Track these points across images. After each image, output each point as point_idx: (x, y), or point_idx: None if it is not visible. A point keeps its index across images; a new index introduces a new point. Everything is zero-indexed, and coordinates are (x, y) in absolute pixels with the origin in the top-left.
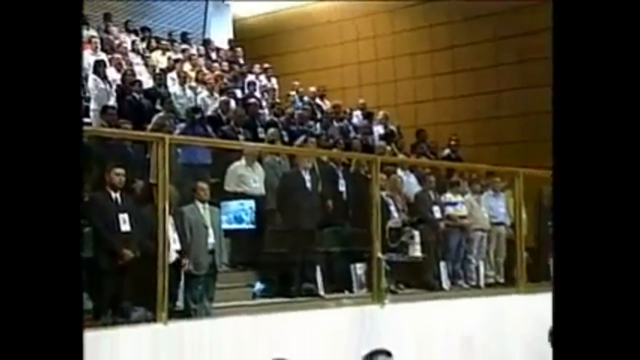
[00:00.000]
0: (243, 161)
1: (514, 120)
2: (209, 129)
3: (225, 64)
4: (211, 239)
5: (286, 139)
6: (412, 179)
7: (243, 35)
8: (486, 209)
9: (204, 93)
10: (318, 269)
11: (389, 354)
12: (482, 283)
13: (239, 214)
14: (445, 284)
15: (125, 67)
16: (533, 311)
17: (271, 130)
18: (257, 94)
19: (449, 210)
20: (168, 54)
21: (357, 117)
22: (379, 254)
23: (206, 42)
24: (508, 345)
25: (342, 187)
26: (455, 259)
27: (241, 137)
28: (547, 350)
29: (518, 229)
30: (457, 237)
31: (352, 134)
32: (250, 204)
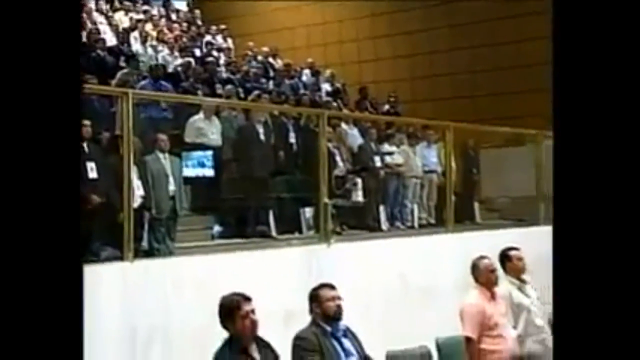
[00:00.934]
0: (202, 115)
1: (446, 79)
2: (170, 85)
3: (184, 24)
4: (172, 186)
5: (241, 94)
6: (356, 131)
7: None
8: (420, 159)
9: (164, 52)
10: (271, 212)
11: (333, 287)
12: (416, 224)
13: (201, 160)
14: (384, 225)
15: (90, 26)
16: (460, 248)
17: (228, 86)
18: (215, 53)
19: (388, 159)
20: (130, 14)
21: (306, 75)
22: (326, 199)
23: (166, 4)
24: (438, 278)
25: (292, 139)
26: (393, 203)
27: (200, 92)
28: (470, 281)
29: (448, 176)
30: (394, 183)
31: (302, 91)
32: (208, 154)
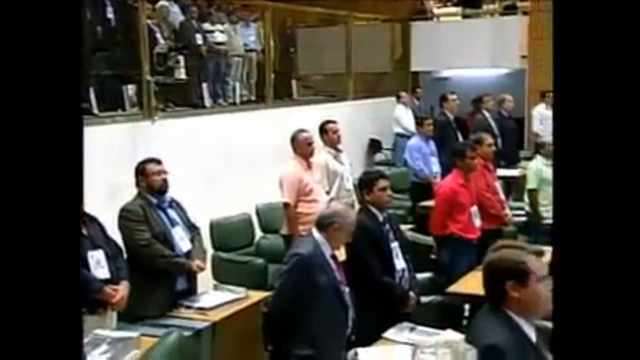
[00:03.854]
0: None
1: None
2: None
3: None
4: None
5: None
6: (176, 8)
7: None
8: (241, 37)
9: None
10: (91, 90)
11: (159, 161)
12: (237, 100)
13: None
14: (207, 102)
15: None
16: (278, 121)
17: None
18: None
19: (209, 38)
20: None
21: None
22: (148, 77)
23: None
24: (260, 151)
25: (110, 15)
26: (215, 80)
27: None
28: (289, 152)
29: (267, 55)
30: (215, 61)
31: None
32: None
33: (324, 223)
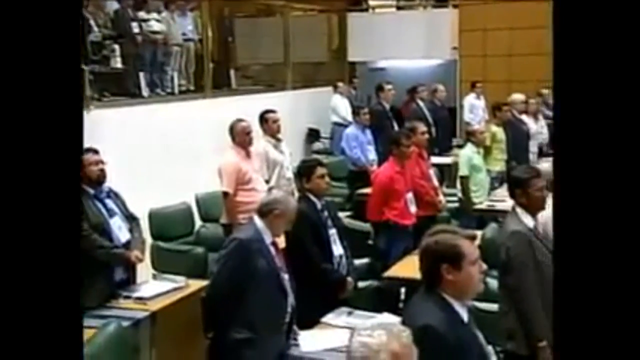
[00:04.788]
0: None
1: None
2: None
3: None
4: None
5: None
6: None
7: None
8: (179, 27)
9: None
10: None
11: (96, 151)
12: (176, 90)
13: None
14: (145, 91)
15: None
16: (216, 112)
17: None
18: None
19: (145, 26)
20: None
21: None
22: (83, 65)
23: None
24: (198, 140)
25: None
26: (152, 70)
27: None
28: (228, 142)
29: (205, 44)
30: (152, 50)
31: None
32: None
33: (265, 210)
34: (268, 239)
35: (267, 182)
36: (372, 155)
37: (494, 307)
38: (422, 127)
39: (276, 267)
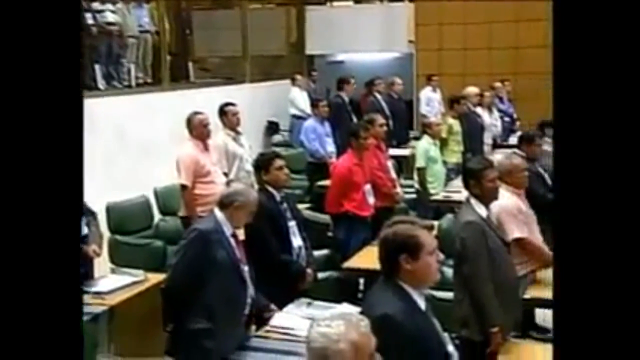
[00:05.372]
0: None
1: None
2: None
3: None
4: None
5: None
6: None
7: None
8: (135, 18)
9: None
10: None
11: None
12: (133, 83)
13: None
14: (101, 84)
15: None
16: (174, 104)
17: None
18: None
19: (100, 17)
20: None
21: None
22: None
23: None
24: (156, 133)
25: None
26: (108, 62)
27: None
28: (186, 134)
29: (162, 36)
30: (107, 41)
31: None
32: None
33: (226, 202)
34: (228, 230)
35: (227, 175)
36: (331, 147)
37: (449, 295)
38: (380, 120)
39: (236, 258)
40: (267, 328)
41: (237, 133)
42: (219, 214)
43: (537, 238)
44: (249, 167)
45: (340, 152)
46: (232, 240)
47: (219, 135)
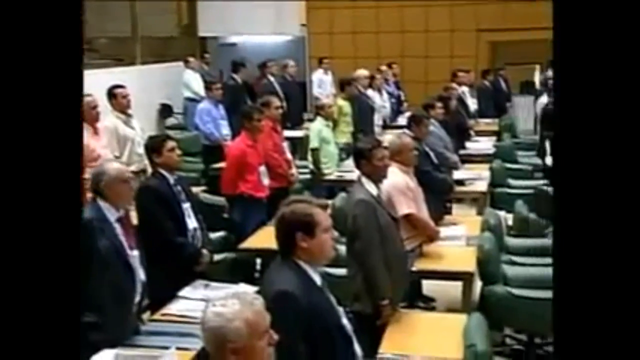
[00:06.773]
0: None
1: None
2: None
3: None
4: None
5: None
6: None
7: None
8: None
9: None
10: None
11: None
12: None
13: None
14: None
15: None
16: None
17: None
18: None
19: None
20: None
21: None
22: None
23: None
24: None
25: None
26: None
27: None
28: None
29: None
30: None
31: None
32: None
33: (95, 188)
34: (112, 216)
35: (118, 158)
36: (226, 130)
37: (342, 271)
38: (276, 102)
39: (121, 245)
40: (163, 311)
41: (128, 116)
42: (100, 201)
43: (424, 213)
44: (141, 150)
45: (235, 134)
46: (116, 226)
47: (108, 118)
